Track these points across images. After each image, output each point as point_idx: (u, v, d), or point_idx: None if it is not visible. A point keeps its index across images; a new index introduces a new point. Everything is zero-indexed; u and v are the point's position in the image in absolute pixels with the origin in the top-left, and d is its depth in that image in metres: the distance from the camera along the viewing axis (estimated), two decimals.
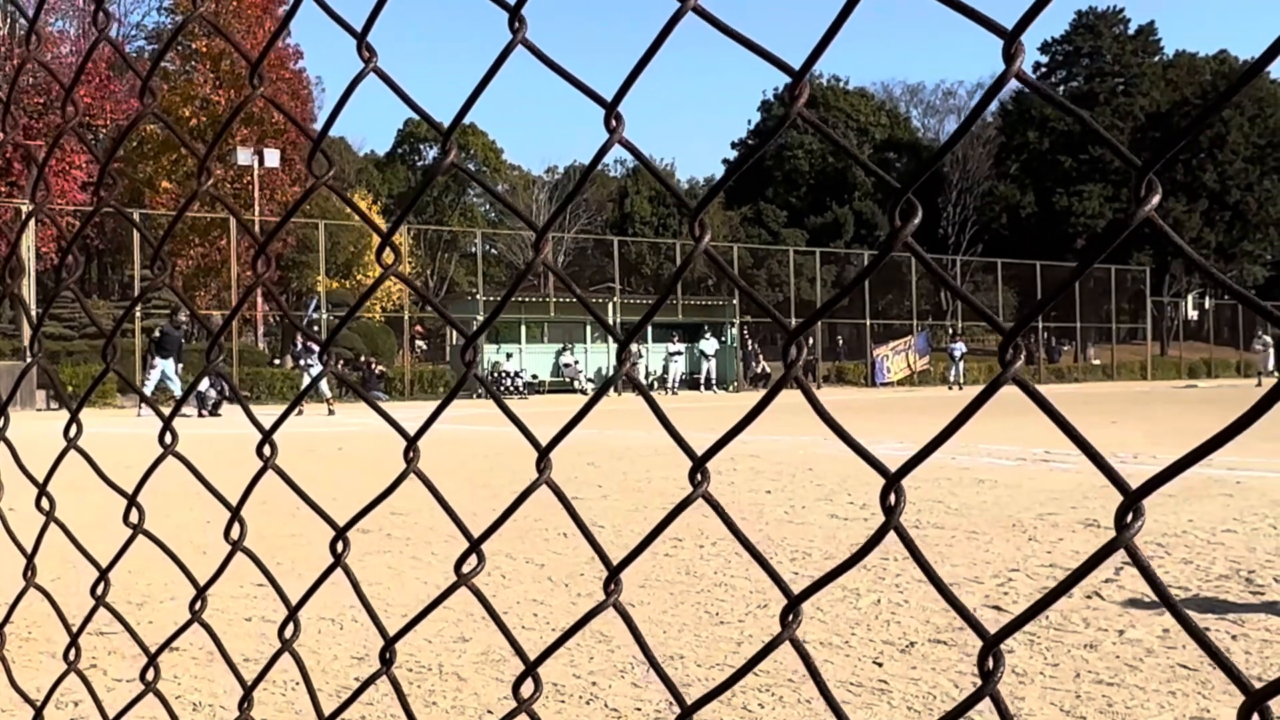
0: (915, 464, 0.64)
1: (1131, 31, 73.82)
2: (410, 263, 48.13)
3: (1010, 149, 71.42)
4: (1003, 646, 2.71)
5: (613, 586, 0.85)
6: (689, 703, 0.77)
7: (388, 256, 0.99)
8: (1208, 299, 67.15)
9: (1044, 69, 74.32)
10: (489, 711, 3.56)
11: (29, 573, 1.27)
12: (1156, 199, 0.65)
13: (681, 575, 5.58)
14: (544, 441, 0.92)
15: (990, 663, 0.60)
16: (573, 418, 0.85)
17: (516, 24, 0.83)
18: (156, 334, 26.04)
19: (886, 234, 0.60)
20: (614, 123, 0.80)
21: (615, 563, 0.85)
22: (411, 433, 1.02)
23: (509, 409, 0.96)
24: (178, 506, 6.70)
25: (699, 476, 0.78)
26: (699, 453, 0.79)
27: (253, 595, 5.06)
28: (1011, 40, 0.55)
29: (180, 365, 25.55)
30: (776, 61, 0.68)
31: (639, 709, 3.55)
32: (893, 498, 0.66)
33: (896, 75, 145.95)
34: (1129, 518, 0.62)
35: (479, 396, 34.33)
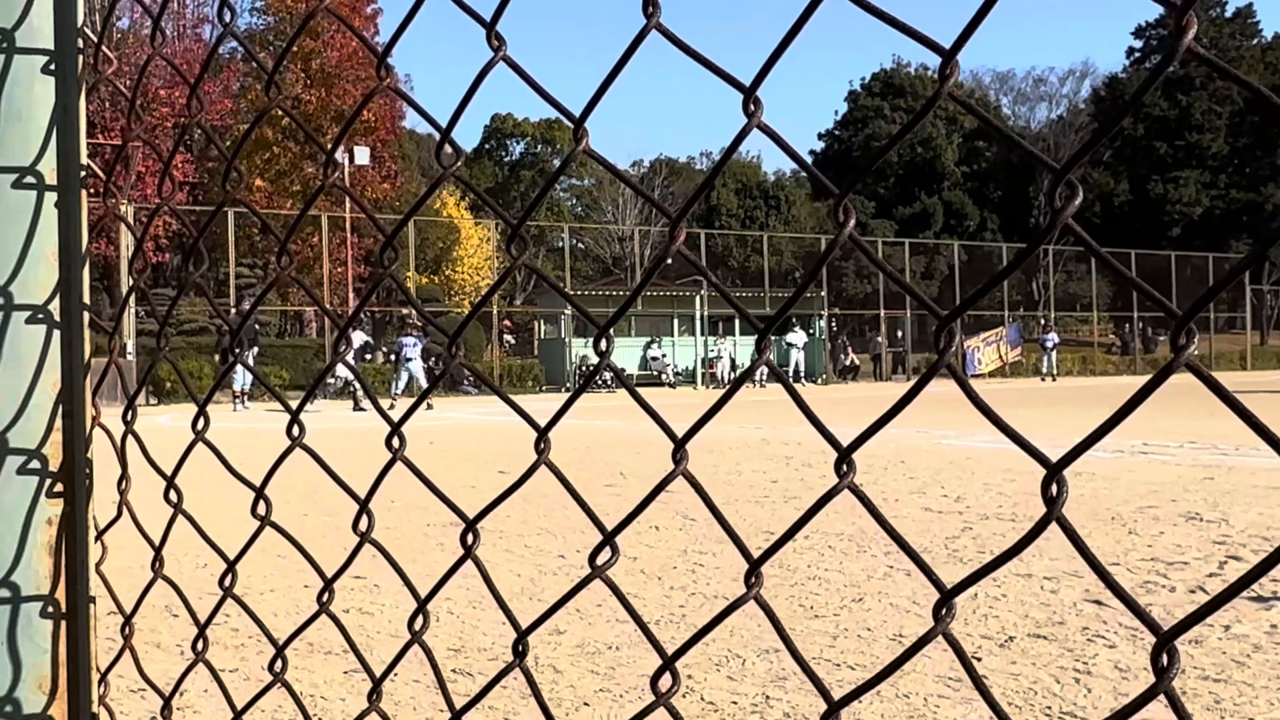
0: (1078, 454, 0.62)
1: (1229, 14, 72.22)
2: (497, 257, 48.48)
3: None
4: (1104, 641, 2.66)
5: (753, 580, 0.84)
6: (835, 699, 0.76)
7: (517, 248, 0.99)
8: None
9: (1138, 53, 72.99)
10: (585, 704, 3.56)
11: (156, 564, 1.29)
12: None
13: (774, 569, 5.55)
14: (680, 433, 0.91)
15: (1164, 659, 0.58)
16: (710, 409, 0.84)
17: (651, 9, 0.82)
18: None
19: (1049, 216, 0.58)
20: (753, 108, 0.78)
21: (756, 556, 0.84)
22: (542, 424, 1.01)
23: (644, 401, 0.95)
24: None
25: (845, 468, 0.77)
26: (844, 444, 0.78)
27: (349, 587, 5.12)
28: (1184, 12, 0.53)
29: (255, 353, 25.88)
30: (925, 40, 0.66)
31: (735, 702, 3.54)
32: (1054, 488, 0.64)
33: (985, 63, 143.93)
34: None
35: (568, 389, 34.46)
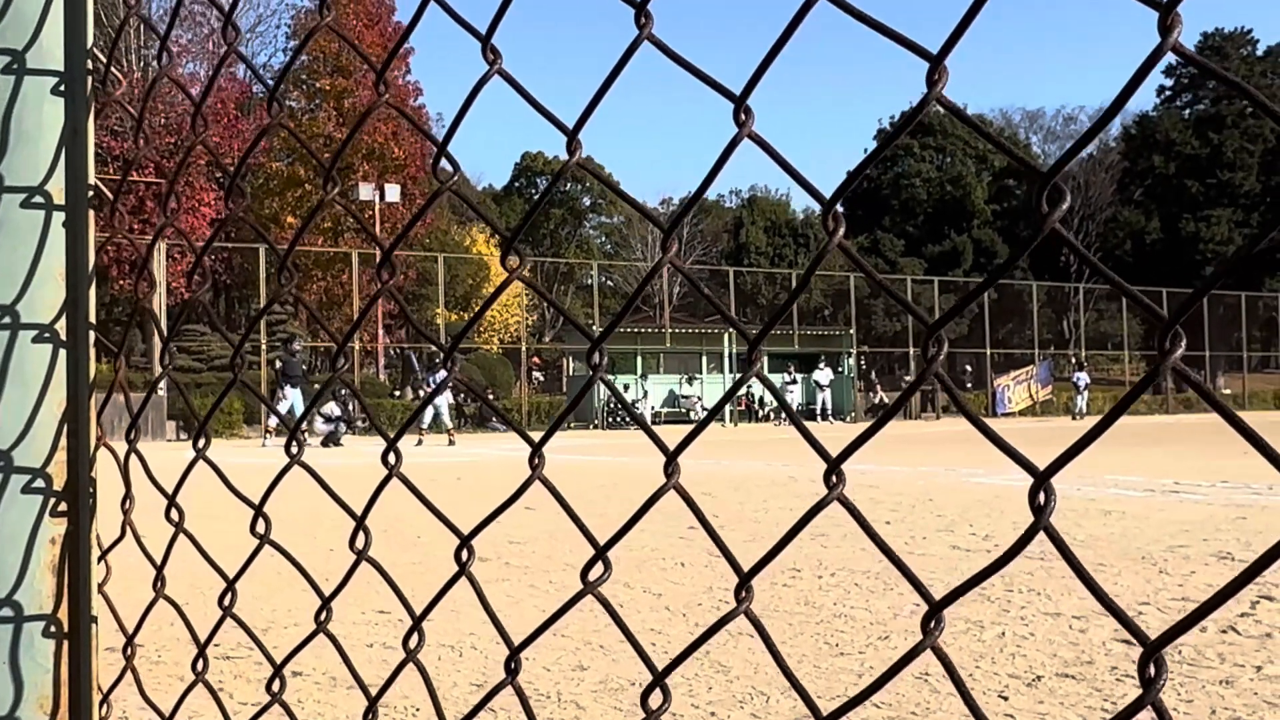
0: (1066, 461, 0.61)
1: (1260, 53, 72.09)
2: (527, 295, 48.66)
3: (1134, 174, 70.03)
4: (1133, 681, 2.60)
5: (744, 594, 0.83)
6: (823, 715, 0.75)
7: (512, 262, 0.98)
8: None
9: (1169, 92, 72.85)
10: None
11: (158, 584, 1.29)
12: None
13: (800, 605, 5.51)
14: (669, 453, 0.90)
15: (1152, 670, 0.57)
16: (701, 421, 0.84)
17: (643, 19, 0.82)
18: (278, 365, 26.51)
19: (1036, 221, 0.57)
20: (743, 117, 0.78)
21: (746, 570, 0.83)
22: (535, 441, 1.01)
23: (637, 415, 0.94)
24: (302, 534, 6.81)
25: (834, 479, 0.76)
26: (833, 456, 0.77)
27: (374, 621, 5.11)
28: (1168, 11, 0.52)
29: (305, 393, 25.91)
30: (912, 46, 0.66)
31: None
32: (1042, 497, 0.63)
33: (1015, 101, 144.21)
34: None
35: (596, 426, 34.50)
